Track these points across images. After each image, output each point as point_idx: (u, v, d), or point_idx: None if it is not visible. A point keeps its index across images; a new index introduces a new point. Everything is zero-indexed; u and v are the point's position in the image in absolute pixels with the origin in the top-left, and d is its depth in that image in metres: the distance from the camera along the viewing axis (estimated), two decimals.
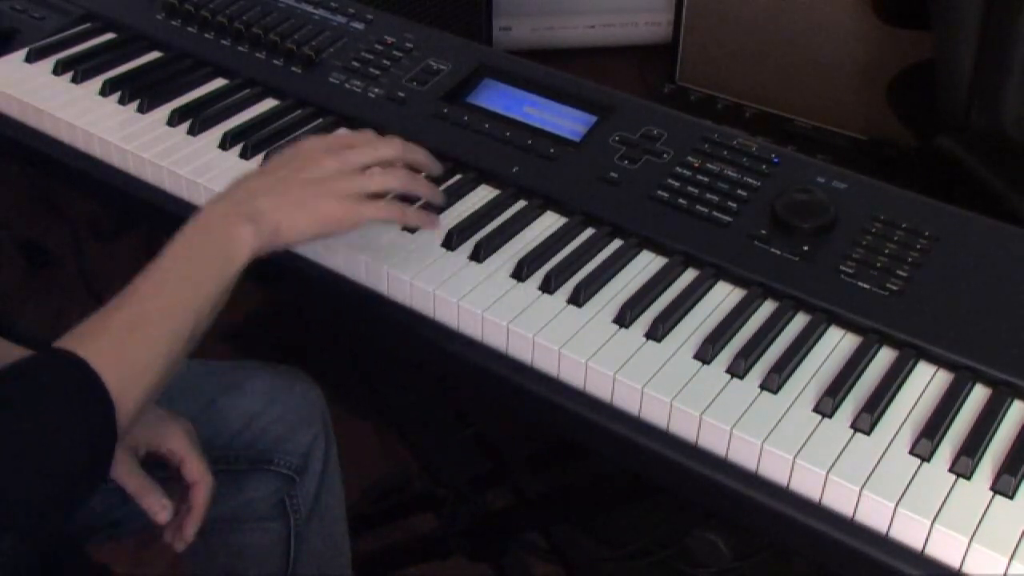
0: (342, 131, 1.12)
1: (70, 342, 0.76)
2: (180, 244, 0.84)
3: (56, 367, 0.75)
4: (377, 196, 0.92)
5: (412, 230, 1.01)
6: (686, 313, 0.93)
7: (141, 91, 1.18)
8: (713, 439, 0.84)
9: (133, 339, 0.78)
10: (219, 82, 1.23)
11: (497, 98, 1.16)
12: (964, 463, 0.80)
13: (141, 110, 1.17)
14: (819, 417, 0.84)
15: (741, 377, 0.87)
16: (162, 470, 0.98)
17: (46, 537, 0.91)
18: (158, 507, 0.95)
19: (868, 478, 0.79)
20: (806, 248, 0.97)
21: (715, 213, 1.01)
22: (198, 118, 1.14)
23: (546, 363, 0.91)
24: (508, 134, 1.11)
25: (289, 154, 0.92)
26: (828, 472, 0.80)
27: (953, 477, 0.80)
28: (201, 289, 0.82)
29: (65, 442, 0.72)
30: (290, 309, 1.98)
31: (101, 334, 0.77)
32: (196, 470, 0.97)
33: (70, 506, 0.77)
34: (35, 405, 0.72)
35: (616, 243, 1.01)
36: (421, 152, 0.98)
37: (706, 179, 1.04)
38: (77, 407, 0.74)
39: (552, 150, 1.09)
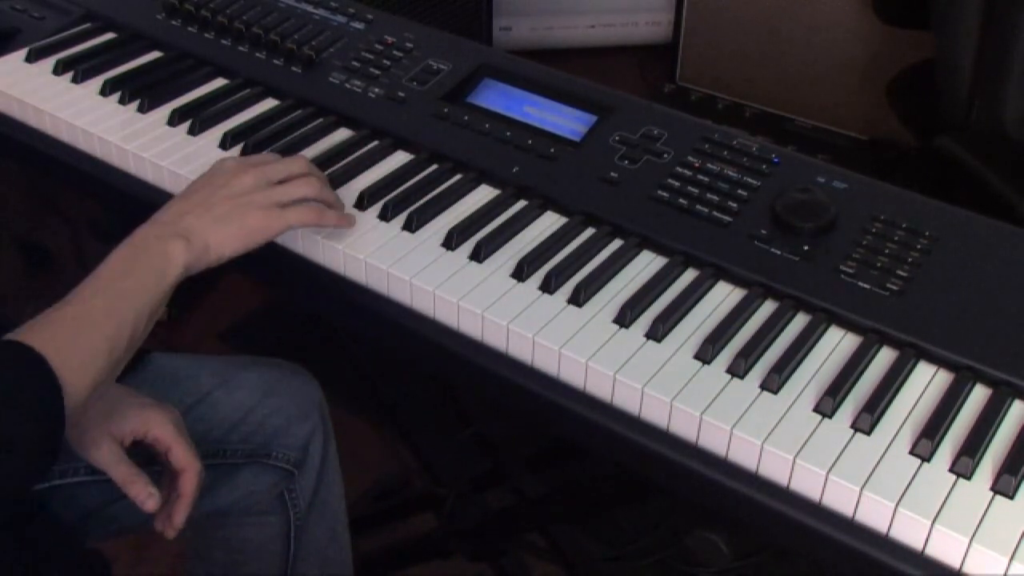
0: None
1: (19, 334, 0.80)
2: (116, 260, 0.89)
3: (4, 352, 0.79)
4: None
5: (413, 229, 1.01)
6: (686, 313, 0.93)
7: (141, 91, 1.18)
8: (713, 439, 0.84)
9: (77, 332, 0.83)
10: (219, 82, 1.23)
11: (497, 98, 1.16)
12: (964, 463, 0.80)
13: (141, 110, 1.17)
14: (819, 417, 0.84)
15: (741, 377, 0.87)
16: (155, 464, 0.98)
17: (28, 527, 0.92)
18: (144, 495, 0.96)
19: (868, 478, 0.79)
20: (806, 248, 0.97)
21: (715, 213, 1.01)
22: (198, 118, 1.14)
23: (546, 363, 0.91)
24: (508, 134, 1.11)
25: (209, 174, 0.97)
26: (828, 472, 0.80)
27: (953, 477, 0.80)
28: (137, 300, 0.87)
29: (12, 419, 0.76)
30: (290, 309, 1.98)
31: (47, 326, 0.82)
32: (183, 457, 0.98)
33: (19, 485, 0.80)
34: None
35: (616, 243, 1.01)
36: (317, 170, 1.03)
37: (706, 179, 1.04)
38: (24, 386, 0.77)
39: (552, 150, 1.09)
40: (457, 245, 1.00)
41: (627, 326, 0.92)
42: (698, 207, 1.02)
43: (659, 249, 1.00)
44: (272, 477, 1.14)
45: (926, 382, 0.88)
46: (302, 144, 1.12)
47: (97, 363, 0.83)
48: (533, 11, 2.59)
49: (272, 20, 1.27)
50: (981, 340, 0.89)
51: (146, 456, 0.98)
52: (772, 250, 0.97)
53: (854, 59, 2.14)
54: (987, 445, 0.82)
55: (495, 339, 0.93)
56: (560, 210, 1.05)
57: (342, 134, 1.15)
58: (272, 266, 1.06)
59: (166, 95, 1.19)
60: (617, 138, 1.10)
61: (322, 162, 1.09)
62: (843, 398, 0.85)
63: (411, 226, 1.02)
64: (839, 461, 0.80)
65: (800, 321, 0.93)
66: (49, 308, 0.84)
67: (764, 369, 0.88)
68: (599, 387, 0.89)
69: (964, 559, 0.76)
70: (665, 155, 1.07)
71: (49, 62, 1.24)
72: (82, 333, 0.83)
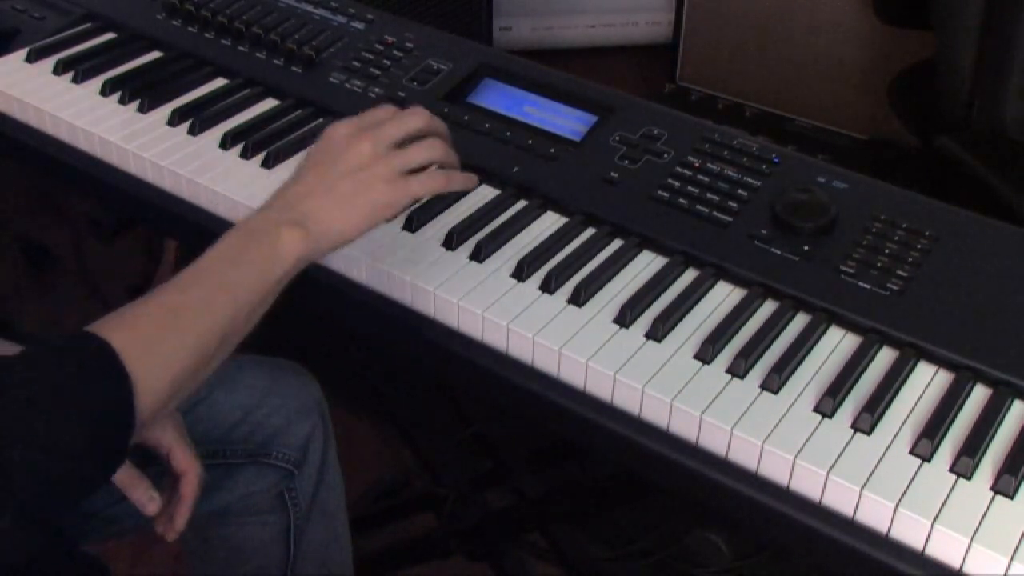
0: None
1: (99, 326, 0.75)
2: (223, 245, 0.83)
3: (78, 346, 0.74)
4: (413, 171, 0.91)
5: (413, 229, 1.01)
6: (686, 313, 0.93)
7: (142, 91, 1.18)
8: (713, 439, 0.84)
9: (163, 327, 0.77)
10: (219, 82, 1.23)
11: (497, 98, 1.16)
12: (964, 463, 0.80)
13: (142, 110, 1.17)
14: (819, 417, 0.84)
15: (741, 377, 0.87)
16: (156, 465, 0.98)
17: (46, 524, 0.90)
18: (146, 499, 0.95)
19: (868, 478, 0.79)
20: (806, 248, 0.97)
21: (715, 213, 1.01)
22: (198, 118, 1.14)
23: (546, 363, 0.91)
24: (508, 134, 1.11)
25: (323, 145, 0.90)
26: (828, 472, 0.80)
27: (953, 477, 0.80)
28: (240, 289, 0.81)
29: (72, 420, 0.71)
30: (290, 309, 1.98)
31: (130, 320, 0.77)
32: (184, 460, 0.96)
33: (78, 489, 0.74)
34: (50, 381, 0.71)
35: (616, 243, 1.01)
36: (439, 120, 0.96)
37: (706, 179, 1.04)
38: (91, 384, 0.72)
39: (552, 150, 1.09)
40: (457, 245, 1.00)
41: (627, 326, 0.92)
42: (698, 207, 1.02)
43: (659, 249, 1.00)
44: (272, 477, 1.14)
45: (926, 382, 0.88)
46: (302, 144, 1.12)
47: (183, 360, 0.77)
48: (533, 11, 2.59)
49: (272, 20, 1.27)
50: (981, 340, 0.89)
51: (145, 457, 0.98)
52: (772, 250, 0.97)
53: (854, 59, 2.14)
54: (987, 445, 0.82)
55: (495, 339, 0.93)
56: (560, 210, 1.05)
57: None
58: None
59: (166, 95, 1.19)
60: (617, 138, 1.10)
61: None
62: (843, 398, 0.85)
63: (411, 226, 1.02)
64: (839, 461, 0.80)
65: (800, 321, 0.93)
66: (141, 297, 0.78)
67: (764, 369, 0.88)
68: (599, 387, 0.89)
69: (964, 559, 0.76)
70: (665, 155, 1.07)
71: (49, 62, 1.24)
72: (170, 326, 0.77)
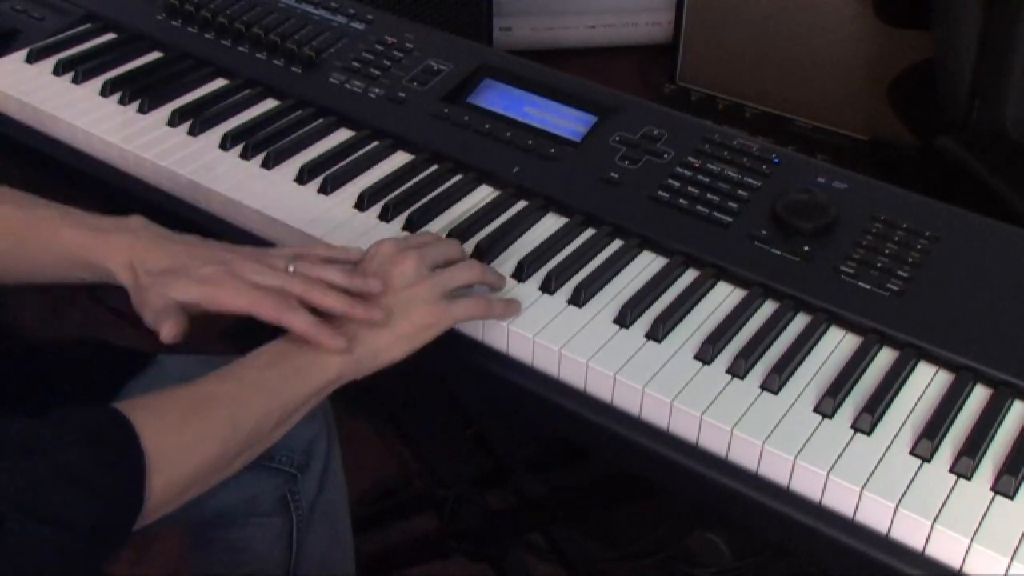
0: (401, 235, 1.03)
1: (127, 404, 0.74)
2: (265, 349, 0.83)
3: (99, 420, 0.73)
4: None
5: (413, 230, 1.01)
6: (687, 313, 0.93)
7: (142, 91, 1.18)
8: (714, 439, 0.84)
9: (189, 413, 0.76)
10: (220, 82, 1.23)
11: (497, 98, 1.16)
12: (965, 463, 0.80)
13: (142, 110, 1.17)
14: (820, 417, 0.84)
15: (742, 377, 0.87)
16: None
17: None
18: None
19: (869, 478, 0.79)
20: (807, 248, 0.97)
21: (716, 213, 1.01)
22: (199, 118, 1.14)
23: (546, 363, 0.91)
24: (508, 134, 1.11)
25: (370, 264, 0.89)
26: (829, 472, 0.80)
27: (954, 477, 0.80)
28: (274, 393, 0.80)
29: (82, 492, 0.69)
30: None
31: (159, 403, 0.76)
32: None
33: (71, 565, 0.70)
34: (63, 449, 0.70)
35: (616, 243, 1.01)
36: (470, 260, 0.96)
37: (707, 179, 1.04)
38: (104, 462, 0.71)
39: (552, 150, 1.09)
40: None
41: (627, 326, 0.92)
42: (698, 207, 1.02)
43: (659, 249, 1.00)
44: (275, 480, 1.14)
45: (926, 382, 0.88)
46: (302, 144, 1.12)
47: (205, 450, 0.75)
48: (533, 11, 2.59)
49: (272, 20, 1.27)
50: (981, 340, 0.89)
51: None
52: (772, 250, 0.97)
53: (854, 59, 2.14)
54: (987, 445, 0.82)
55: (495, 339, 0.93)
56: (560, 210, 1.05)
57: (342, 134, 1.15)
58: None
59: (166, 95, 1.19)
60: (617, 138, 1.10)
61: (323, 162, 1.09)
62: (843, 398, 0.85)
63: (411, 226, 1.02)
64: (839, 461, 0.80)
65: (800, 321, 0.93)
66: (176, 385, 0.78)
67: (764, 369, 0.88)
68: (599, 387, 0.89)
69: (964, 559, 0.76)
70: (665, 155, 1.07)
71: (49, 62, 1.24)
72: (195, 414, 0.76)
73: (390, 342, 0.85)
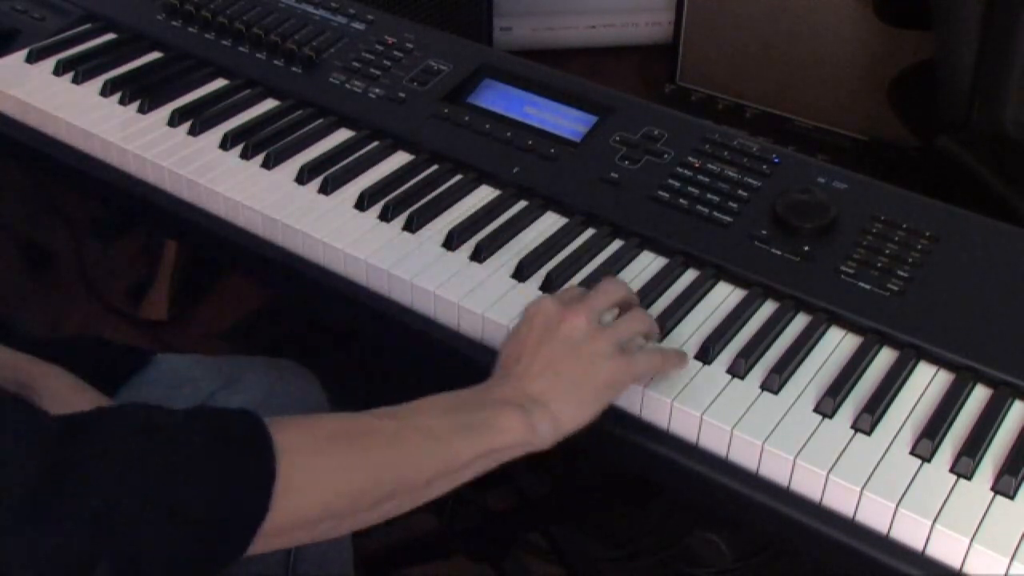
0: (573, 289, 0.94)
1: (277, 422, 0.69)
2: (441, 397, 0.77)
3: (231, 417, 0.69)
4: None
5: (413, 229, 1.01)
6: (687, 313, 0.93)
7: (142, 91, 1.18)
8: (714, 439, 0.84)
9: (339, 440, 0.71)
10: (220, 82, 1.23)
11: (497, 98, 1.16)
12: (965, 463, 0.80)
13: (142, 110, 1.17)
14: (820, 417, 0.84)
15: (742, 377, 0.87)
16: None
17: None
18: None
19: (869, 478, 0.79)
20: (807, 248, 0.97)
21: (716, 213, 1.01)
22: (199, 118, 1.14)
23: None
24: (508, 134, 1.11)
25: (538, 323, 0.82)
26: (829, 472, 0.80)
27: (954, 477, 0.80)
28: (439, 445, 0.74)
29: (196, 488, 0.64)
30: (290, 309, 1.98)
31: (311, 424, 0.72)
32: None
33: (177, 570, 0.65)
34: (187, 438, 0.66)
35: (617, 243, 1.01)
36: (630, 289, 0.90)
37: (707, 179, 1.04)
38: (228, 461, 0.66)
39: (552, 150, 1.09)
40: (457, 245, 1.00)
41: None
42: (698, 207, 1.02)
43: (659, 249, 1.00)
44: None
45: (926, 382, 0.88)
46: (302, 144, 1.12)
47: (347, 482, 0.69)
48: (533, 11, 2.59)
49: (272, 21, 1.27)
50: (981, 340, 0.89)
51: None
52: (772, 250, 0.97)
53: (854, 59, 2.14)
54: (987, 445, 0.82)
55: (496, 339, 0.93)
56: (560, 210, 1.05)
57: (342, 134, 1.15)
58: (272, 266, 1.06)
59: (166, 95, 1.19)
60: (617, 138, 1.10)
61: (323, 162, 1.09)
62: (843, 398, 0.85)
63: (411, 226, 1.02)
64: (839, 461, 0.80)
65: (800, 321, 0.93)
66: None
67: (764, 369, 0.88)
68: None
69: (965, 559, 0.76)
70: (665, 155, 1.07)
71: (50, 62, 1.24)
72: (346, 441, 0.71)
73: (574, 409, 0.79)
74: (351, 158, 1.11)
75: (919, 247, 0.96)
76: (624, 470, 1.17)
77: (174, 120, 1.15)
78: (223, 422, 0.68)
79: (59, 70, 1.22)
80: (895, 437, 0.83)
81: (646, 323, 0.86)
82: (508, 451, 0.77)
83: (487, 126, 1.12)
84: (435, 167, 1.10)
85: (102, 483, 0.61)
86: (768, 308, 0.94)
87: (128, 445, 0.63)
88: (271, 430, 0.68)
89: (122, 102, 1.18)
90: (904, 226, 0.98)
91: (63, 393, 0.96)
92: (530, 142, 1.10)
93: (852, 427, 0.83)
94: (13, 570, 0.59)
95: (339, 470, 0.70)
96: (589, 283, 0.95)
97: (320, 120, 1.16)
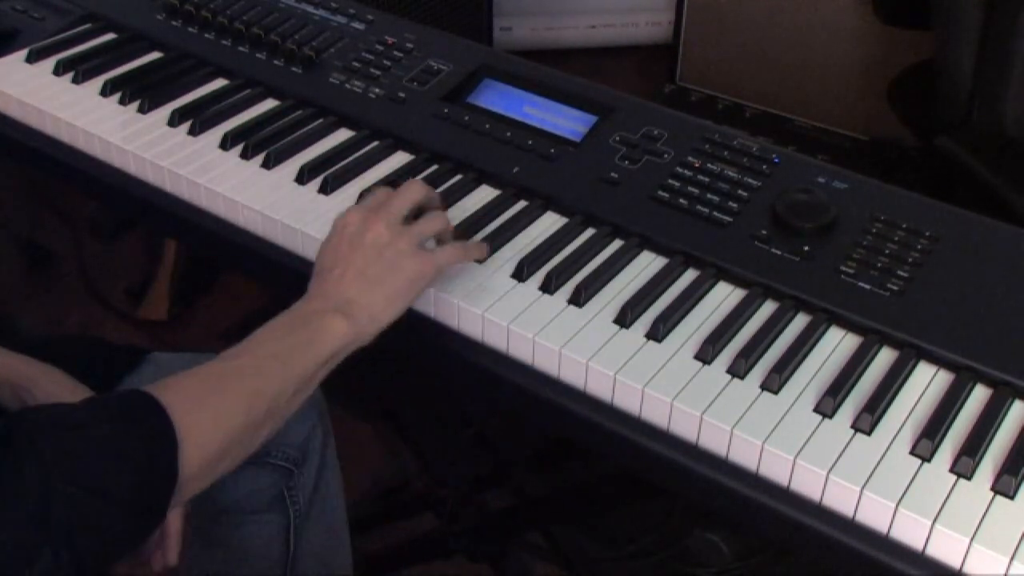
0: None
1: (151, 386, 0.77)
2: (270, 326, 0.86)
3: (127, 399, 0.76)
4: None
5: None
6: (687, 313, 0.93)
7: (142, 91, 1.18)
8: (714, 439, 0.84)
9: (210, 387, 0.80)
10: (220, 82, 1.23)
11: (497, 98, 1.16)
12: (965, 463, 0.80)
13: (142, 110, 1.17)
14: (820, 417, 0.84)
15: (742, 377, 0.87)
16: None
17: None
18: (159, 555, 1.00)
19: (869, 478, 0.79)
20: (807, 248, 0.97)
21: (716, 213, 1.01)
22: (199, 118, 1.14)
23: (546, 363, 0.91)
24: (508, 134, 1.11)
25: (339, 234, 0.91)
26: (829, 472, 0.80)
27: (954, 477, 0.80)
28: (288, 361, 0.83)
29: (121, 466, 0.72)
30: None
31: (179, 381, 0.79)
32: None
33: (115, 540, 0.74)
34: (100, 427, 0.73)
35: (616, 243, 1.01)
36: (431, 189, 0.99)
37: (706, 179, 1.04)
38: (136, 437, 0.73)
39: (552, 150, 1.09)
40: None
41: (627, 326, 0.92)
42: (698, 207, 1.02)
43: (659, 249, 1.00)
44: (272, 476, 1.14)
45: (926, 382, 0.88)
46: (302, 144, 1.12)
47: (232, 422, 0.78)
48: (533, 11, 2.59)
49: (272, 20, 1.27)
50: (981, 340, 0.89)
51: None
52: (772, 250, 0.97)
53: (854, 59, 2.14)
54: (987, 445, 0.82)
55: (496, 340, 0.93)
56: (560, 210, 1.05)
57: (342, 134, 1.15)
58: (272, 266, 1.06)
59: (166, 96, 1.19)
60: (617, 138, 1.10)
61: (323, 162, 1.09)
62: (843, 398, 0.85)
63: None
64: (839, 461, 0.80)
65: (800, 321, 0.93)
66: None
67: (764, 369, 0.88)
68: (600, 387, 0.89)
69: (964, 559, 0.76)
70: (665, 155, 1.07)
71: (49, 62, 1.24)
72: (218, 387, 0.80)
73: (385, 304, 0.88)
74: (351, 158, 1.11)
75: (919, 247, 0.96)
76: (624, 470, 1.17)
77: (174, 120, 1.15)
78: (121, 405, 0.76)
79: (59, 70, 1.22)
80: (895, 437, 0.83)
81: (442, 222, 0.95)
82: (343, 350, 0.87)
83: (487, 126, 1.12)
84: (435, 167, 1.10)
85: (34, 482, 0.67)
86: (768, 308, 0.94)
87: (49, 444, 0.70)
88: (157, 397, 0.75)
89: (122, 102, 1.18)
90: (904, 226, 0.98)
91: (58, 393, 0.98)
92: (530, 142, 1.10)
93: (852, 427, 0.83)
94: None
95: (223, 415, 0.79)
96: (587, 281, 0.95)
97: (320, 120, 1.16)
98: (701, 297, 0.95)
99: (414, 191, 0.95)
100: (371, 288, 0.88)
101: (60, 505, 0.68)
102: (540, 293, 0.95)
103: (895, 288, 0.93)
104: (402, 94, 1.17)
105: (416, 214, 0.95)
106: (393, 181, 1.06)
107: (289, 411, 0.84)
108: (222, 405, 0.79)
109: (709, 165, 1.06)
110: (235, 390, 0.80)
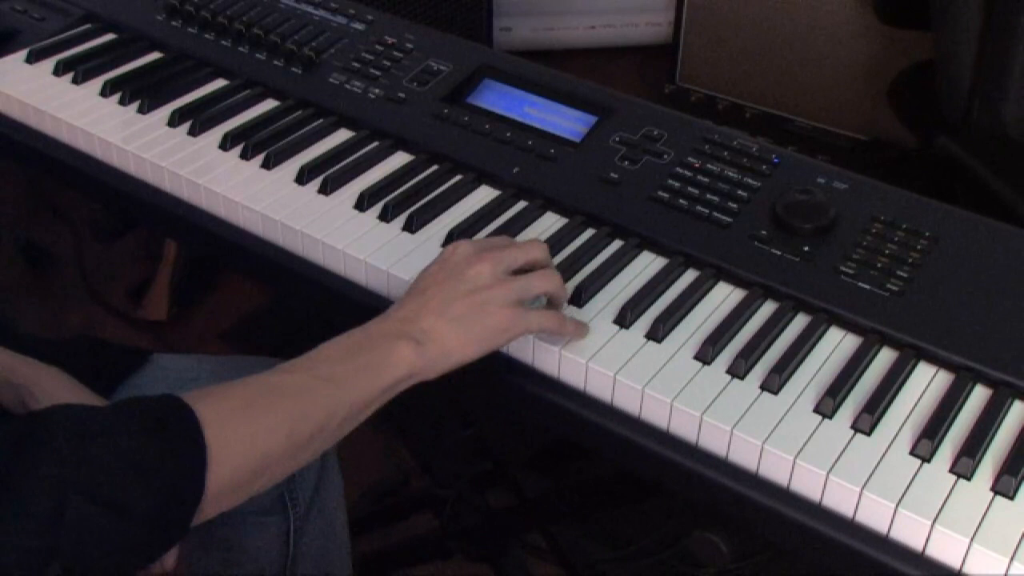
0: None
1: (192, 394, 0.74)
2: (335, 343, 0.82)
3: (164, 409, 0.72)
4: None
5: (413, 230, 1.01)
6: (687, 314, 0.93)
7: (142, 92, 1.18)
8: (714, 440, 0.84)
9: (254, 405, 0.75)
10: (220, 83, 1.23)
11: (497, 99, 1.16)
12: (964, 464, 0.80)
13: (142, 111, 1.17)
14: (820, 418, 0.84)
15: (742, 378, 0.87)
16: None
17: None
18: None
19: (868, 479, 0.79)
20: (806, 249, 0.97)
21: (715, 214, 1.01)
22: (199, 119, 1.15)
23: (546, 364, 0.91)
24: (508, 135, 1.11)
25: (442, 264, 0.88)
26: (828, 473, 0.80)
27: (953, 478, 0.80)
28: (341, 389, 0.79)
29: (142, 481, 0.69)
30: (290, 309, 1.98)
31: (222, 391, 0.75)
32: None
33: (131, 555, 0.70)
34: (125, 438, 0.70)
35: (616, 244, 1.01)
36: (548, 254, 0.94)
37: (706, 179, 1.04)
38: (166, 450, 0.70)
39: (552, 151, 1.09)
40: None
41: (627, 327, 0.92)
42: (698, 208, 1.02)
43: (659, 250, 1.00)
44: None
45: (926, 382, 0.88)
46: (302, 144, 1.12)
47: (269, 442, 0.74)
48: (533, 11, 2.59)
49: (272, 21, 1.27)
50: (981, 340, 0.89)
51: None
52: (772, 250, 0.97)
53: (854, 59, 2.14)
54: (987, 446, 0.82)
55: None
56: (560, 211, 1.05)
57: (342, 135, 1.15)
58: (272, 266, 1.06)
59: (166, 96, 1.19)
60: (617, 139, 1.10)
61: (323, 162, 1.09)
62: (843, 399, 0.85)
63: (411, 227, 1.02)
64: (839, 461, 0.80)
65: (800, 322, 0.93)
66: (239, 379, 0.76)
67: (764, 370, 0.88)
68: (600, 388, 0.89)
69: (964, 560, 0.76)
70: (665, 156, 1.07)
71: (49, 63, 1.24)
72: (260, 405, 0.75)
73: (463, 343, 0.84)
74: (351, 158, 1.11)
75: (919, 247, 0.96)
76: (624, 470, 1.17)
77: (174, 120, 1.15)
78: (152, 413, 0.72)
79: (59, 70, 1.22)
80: (895, 437, 0.83)
81: (553, 283, 0.89)
82: (405, 380, 0.83)
83: (487, 126, 1.12)
84: (435, 167, 1.10)
85: (50, 488, 0.65)
86: (768, 308, 0.94)
87: (70, 448, 0.67)
88: (194, 409, 0.71)
89: (122, 102, 1.18)
90: (904, 226, 0.98)
91: (59, 394, 0.97)
92: (530, 142, 1.10)
93: (852, 427, 0.83)
94: None
95: (261, 434, 0.74)
96: (587, 282, 0.95)
97: (320, 120, 1.16)
98: (701, 297, 0.95)
99: (535, 249, 0.91)
100: (450, 323, 0.84)
101: (74, 517, 0.65)
102: None
103: (895, 288, 0.93)
104: (402, 94, 1.17)
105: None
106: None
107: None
108: (262, 424, 0.75)
109: (709, 165, 1.06)
110: (279, 409, 0.76)
